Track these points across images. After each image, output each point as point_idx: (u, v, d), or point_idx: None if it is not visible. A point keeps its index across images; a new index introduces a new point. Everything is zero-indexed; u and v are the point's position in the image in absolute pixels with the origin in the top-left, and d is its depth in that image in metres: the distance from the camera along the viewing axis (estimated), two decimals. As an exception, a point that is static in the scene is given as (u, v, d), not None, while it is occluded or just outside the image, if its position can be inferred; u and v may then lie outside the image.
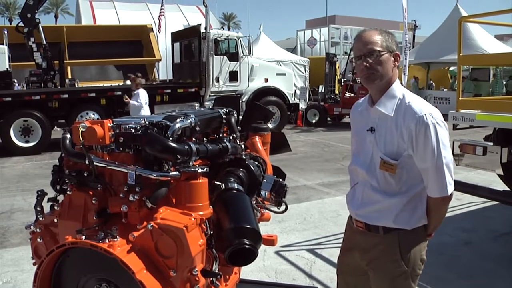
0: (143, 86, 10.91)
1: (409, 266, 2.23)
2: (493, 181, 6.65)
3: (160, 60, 21.60)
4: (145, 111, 10.45)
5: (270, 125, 4.72)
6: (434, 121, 2.08)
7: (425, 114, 2.08)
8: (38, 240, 2.46)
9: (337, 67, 20.83)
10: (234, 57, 15.22)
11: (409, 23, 23.90)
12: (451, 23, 18.72)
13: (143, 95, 10.55)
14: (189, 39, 15.43)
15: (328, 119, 18.40)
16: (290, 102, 16.48)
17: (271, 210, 2.95)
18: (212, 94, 14.29)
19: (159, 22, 22.30)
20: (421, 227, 2.25)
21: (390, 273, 2.25)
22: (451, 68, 26.03)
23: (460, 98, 5.67)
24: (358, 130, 2.35)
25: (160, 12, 22.30)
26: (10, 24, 46.57)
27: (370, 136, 2.25)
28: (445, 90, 24.68)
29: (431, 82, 25.04)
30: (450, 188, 2.13)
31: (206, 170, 2.35)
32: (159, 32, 22.07)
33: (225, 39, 15.24)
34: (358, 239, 2.38)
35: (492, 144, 5.07)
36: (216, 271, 2.36)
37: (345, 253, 2.52)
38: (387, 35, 2.19)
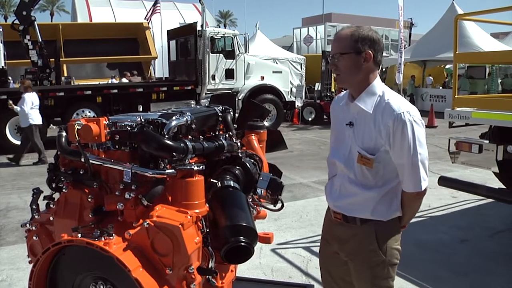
0: (34, 89, 10.43)
1: (386, 255, 2.30)
2: (489, 179, 6.68)
3: (156, 57, 21.62)
4: (32, 117, 9.96)
5: (266, 123, 4.71)
6: (411, 119, 2.13)
7: (403, 112, 2.13)
8: (34, 238, 2.45)
9: (333, 65, 20.78)
10: (230, 55, 15.20)
11: (405, 21, 23.93)
12: (447, 21, 18.76)
13: (29, 99, 9.98)
14: (185, 37, 15.40)
15: (324, 117, 18.37)
16: (286, 100, 16.49)
17: (267, 208, 2.95)
18: (208, 92, 14.27)
19: (151, 13, 22.23)
20: (396, 218, 2.33)
21: (369, 263, 2.31)
22: (447, 66, 26.09)
23: (456, 96, 5.68)
24: (338, 124, 2.41)
25: (156, 9, 22.25)
26: (6, 21, 46.32)
27: (348, 131, 2.30)
28: (440, 88, 24.77)
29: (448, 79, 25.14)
30: (424, 183, 2.20)
31: (202, 168, 2.34)
32: (148, 22, 22.01)
33: (221, 37, 15.21)
34: (336, 230, 2.44)
35: (487, 142, 5.08)
36: (213, 269, 2.36)
37: (325, 245, 2.58)
38: (359, 34, 2.20)
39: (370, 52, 2.20)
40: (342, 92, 2.52)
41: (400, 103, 2.17)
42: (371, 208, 2.26)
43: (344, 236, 2.39)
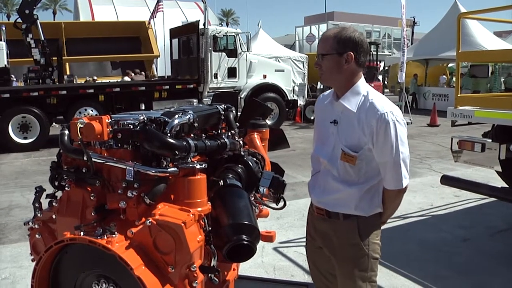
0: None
1: (369, 249, 2.36)
2: (492, 177, 6.66)
3: (159, 56, 21.65)
4: None
5: (268, 122, 4.72)
6: (394, 118, 2.19)
7: (386, 112, 2.19)
8: (37, 236, 2.45)
9: (335, 63, 20.75)
10: (232, 53, 15.18)
11: (407, 19, 23.91)
12: (450, 20, 18.71)
13: None
14: (187, 36, 15.38)
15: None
16: (289, 98, 16.45)
17: (270, 207, 2.95)
18: (211, 91, 14.24)
19: (155, 11, 22.20)
20: (377, 214, 2.39)
21: (352, 257, 2.37)
22: (450, 65, 26.01)
23: (458, 95, 5.67)
24: (322, 121, 2.47)
25: (158, 8, 22.25)
26: (8, 20, 46.43)
27: (333, 128, 2.36)
28: (444, 86, 24.69)
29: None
30: (405, 181, 2.27)
31: (205, 166, 2.34)
32: (149, 22, 21.99)
33: (223, 35, 15.20)
34: (319, 225, 2.51)
35: (490, 140, 5.07)
36: (215, 267, 2.36)
37: (310, 240, 2.63)
38: (342, 36, 2.24)
39: (351, 53, 2.24)
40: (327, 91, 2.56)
41: (383, 103, 2.22)
42: (354, 204, 2.32)
43: (327, 231, 2.45)
